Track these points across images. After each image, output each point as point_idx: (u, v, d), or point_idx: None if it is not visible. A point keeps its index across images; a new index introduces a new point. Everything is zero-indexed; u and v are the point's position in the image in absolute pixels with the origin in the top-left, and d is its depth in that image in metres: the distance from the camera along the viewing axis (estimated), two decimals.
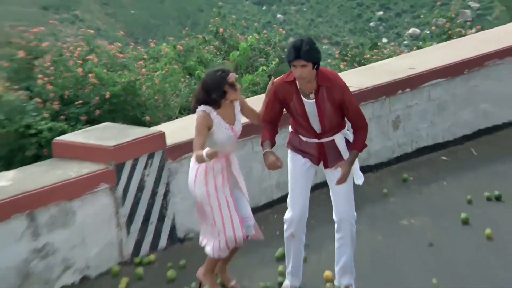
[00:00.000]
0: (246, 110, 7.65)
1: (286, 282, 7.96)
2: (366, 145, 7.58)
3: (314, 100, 7.31)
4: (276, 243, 8.33)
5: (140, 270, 8.51)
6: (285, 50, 7.46)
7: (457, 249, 8.61)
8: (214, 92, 7.32)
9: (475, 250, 8.54)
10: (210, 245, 7.68)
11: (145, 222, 8.83)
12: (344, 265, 7.85)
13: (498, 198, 9.62)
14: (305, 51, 7.00)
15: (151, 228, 8.89)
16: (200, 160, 7.12)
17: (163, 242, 8.99)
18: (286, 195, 7.87)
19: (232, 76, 7.37)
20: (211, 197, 7.47)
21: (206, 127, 7.33)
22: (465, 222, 9.07)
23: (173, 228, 9.07)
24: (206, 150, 6.97)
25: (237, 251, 7.88)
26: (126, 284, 8.26)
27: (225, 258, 7.86)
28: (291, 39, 7.62)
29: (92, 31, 14.66)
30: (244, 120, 7.69)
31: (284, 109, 7.59)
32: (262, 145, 7.53)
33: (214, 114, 7.35)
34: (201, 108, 7.38)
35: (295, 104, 7.40)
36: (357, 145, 7.47)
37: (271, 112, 7.62)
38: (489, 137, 11.37)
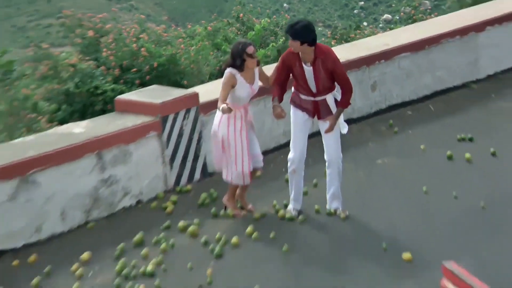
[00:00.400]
0: (261, 76, 7.76)
1: (290, 206, 8.07)
2: (350, 104, 7.77)
3: (311, 67, 7.48)
4: (282, 177, 8.39)
5: (179, 196, 8.64)
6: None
7: (417, 175, 8.78)
8: (236, 59, 7.49)
9: (429, 175, 8.69)
10: (229, 176, 7.85)
11: (183, 160, 8.90)
12: (333, 193, 7.98)
13: (470, 139, 9.74)
14: (294, 30, 7.36)
15: (188, 165, 8.96)
16: (219, 109, 7.34)
17: (197, 175, 9.05)
18: (289, 142, 7.99)
19: (250, 49, 7.48)
20: (230, 136, 7.62)
21: (230, 84, 7.49)
22: (449, 157, 9.23)
23: (204, 165, 9.12)
24: (223, 105, 7.18)
25: (252, 178, 8.02)
26: (170, 206, 8.35)
27: (243, 188, 7.98)
28: None
29: (143, 16, 14.73)
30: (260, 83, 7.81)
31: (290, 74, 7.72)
32: (272, 100, 7.71)
33: (238, 75, 7.50)
34: (229, 70, 7.55)
35: (297, 70, 7.57)
36: (342, 103, 7.67)
37: (280, 75, 7.76)
38: (443, 97, 11.33)
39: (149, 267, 6.96)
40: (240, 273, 6.94)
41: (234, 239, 7.46)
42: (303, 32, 7.34)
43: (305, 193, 8.21)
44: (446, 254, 5.82)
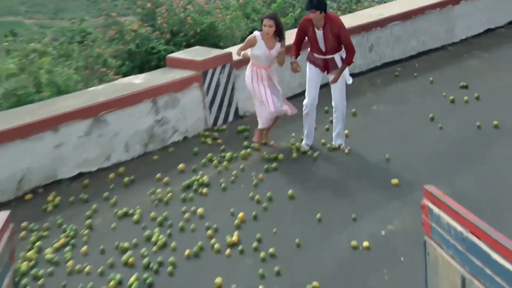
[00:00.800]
0: (280, 54, 7.68)
1: (303, 142, 8.03)
2: (352, 62, 7.73)
3: (322, 31, 7.48)
4: (299, 119, 8.29)
5: (216, 134, 8.58)
6: (305, 2, 7.50)
7: (405, 117, 8.62)
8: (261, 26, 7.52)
9: (415, 116, 8.55)
10: (260, 120, 7.79)
11: (219, 105, 8.83)
12: (338, 132, 7.96)
13: (466, 87, 9.71)
14: (315, 3, 7.29)
15: (223, 109, 8.89)
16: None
17: (230, 118, 8.98)
18: (305, 91, 7.98)
19: (265, 20, 7.50)
20: (254, 85, 7.66)
21: (250, 42, 7.58)
22: (431, 120, 9.04)
23: (236, 110, 9.04)
24: (243, 52, 7.69)
25: (276, 122, 7.97)
26: (209, 141, 8.35)
27: (268, 127, 7.91)
28: None
29: None
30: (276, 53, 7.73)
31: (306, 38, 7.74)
32: (290, 58, 7.76)
33: (259, 37, 7.50)
34: (255, 32, 7.63)
35: (311, 33, 7.58)
36: (346, 61, 7.64)
37: (298, 38, 7.78)
38: (426, 57, 11.21)
39: (205, 179, 7.26)
40: (276, 184, 7.09)
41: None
42: (319, 4, 7.34)
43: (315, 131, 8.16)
44: (427, 180, 5.76)
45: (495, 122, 8.32)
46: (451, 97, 9.22)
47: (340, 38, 7.51)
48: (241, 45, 7.70)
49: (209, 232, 6.26)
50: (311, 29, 7.57)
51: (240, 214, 6.51)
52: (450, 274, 4.08)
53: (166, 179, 7.35)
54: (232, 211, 6.60)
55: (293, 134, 8.32)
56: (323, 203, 6.80)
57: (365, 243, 5.99)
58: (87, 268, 5.72)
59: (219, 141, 8.33)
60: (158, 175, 7.47)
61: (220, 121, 8.85)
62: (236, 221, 6.43)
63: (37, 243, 6.13)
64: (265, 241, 6.11)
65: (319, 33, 7.53)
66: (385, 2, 13.88)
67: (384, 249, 5.95)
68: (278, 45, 7.59)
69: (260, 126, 7.93)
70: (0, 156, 6.94)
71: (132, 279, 5.52)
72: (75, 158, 7.50)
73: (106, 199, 7.02)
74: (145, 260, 5.78)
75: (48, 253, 5.97)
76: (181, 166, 7.61)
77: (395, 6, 11.62)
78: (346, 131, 8.20)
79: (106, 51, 10.40)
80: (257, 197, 6.89)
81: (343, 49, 7.67)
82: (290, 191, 6.98)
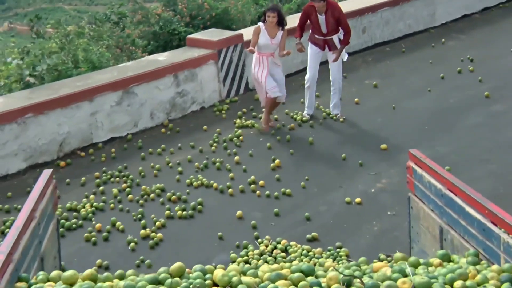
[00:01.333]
0: (282, 42, 7.47)
1: (305, 111, 7.99)
2: (349, 42, 7.76)
3: (324, 16, 7.48)
4: (301, 91, 8.22)
5: (229, 105, 8.51)
6: None
7: (394, 90, 8.58)
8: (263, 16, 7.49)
9: (402, 90, 8.49)
10: (261, 99, 7.75)
11: (232, 79, 8.73)
12: (335, 103, 7.94)
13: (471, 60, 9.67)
14: None
15: (235, 82, 8.79)
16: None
17: (241, 90, 8.88)
18: (306, 67, 7.93)
19: (268, 12, 7.38)
20: (255, 70, 7.49)
21: (256, 33, 7.41)
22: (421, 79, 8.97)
23: (247, 83, 8.93)
24: (250, 49, 7.42)
25: (276, 107, 7.78)
26: (225, 108, 8.31)
27: (270, 111, 7.71)
28: None
29: None
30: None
31: (308, 21, 7.69)
32: (295, 38, 7.73)
33: (263, 27, 7.37)
34: (259, 23, 7.52)
35: (314, 18, 7.57)
36: (344, 42, 7.66)
37: (302, 21, 7.75)
38: (412, 38, 11.06)
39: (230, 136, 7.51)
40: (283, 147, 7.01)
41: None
42: None
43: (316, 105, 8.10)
44: (412, 145, 5.78)
45: (465, 102, 8.27)
46: (442, 75, 9.14)
47: (339, 21, 7.54)
48: (251, 42, 7.44)
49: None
50: (314, 14, 7.54)
51: (274, 163, 6.80)
52: (430, 225, 4.10)
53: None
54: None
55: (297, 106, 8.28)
56: (322, 165, 6.80)
57: (357, 199, 6.01)
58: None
59: (244, 109, 8.23)
60: (205, 127, 7.73)
61: (233, 93, 8.75)
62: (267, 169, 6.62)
63: (101, 188, 6.38)
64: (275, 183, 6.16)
65: (321, 18, 7.51)
66: None
67: (373, 204, 5.97)
68: (279, 33, 7.43)
69: (262, 104, 7.80)
70: (44, 122, 6.94)
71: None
72: (108, 124, 7.48)
73: (164, 151, 7.20)
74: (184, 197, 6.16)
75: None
76: (205, 127, 7.75)
77: None
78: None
79: (134, 32, 10.34)
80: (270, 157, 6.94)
81: (340, 31, 7.63)
82: (291, 151, 7.05)
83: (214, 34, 8.85)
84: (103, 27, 9.97)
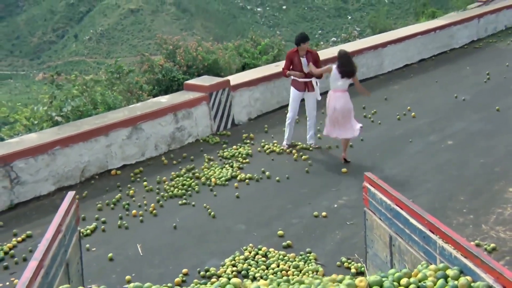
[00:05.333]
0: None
1: (284, 142, 7.89)
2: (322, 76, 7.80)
3: (305, 57, 7.52)
4: (278, 127, 8.21)
5: (218, 138, 8.45)
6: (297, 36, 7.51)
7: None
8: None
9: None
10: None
11: (221, 117, 8.70)
12: (311, 135, 7.86)
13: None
14: (303, 39, 7.45)
15: (224, 119, 8.76)
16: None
17: (228, 125, 8.83)
18: (283, 107, 7.88)
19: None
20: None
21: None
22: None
23: (233, 120, 8.91)
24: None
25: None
26: (215, 141, 8.20)
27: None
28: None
29: (199, 37, 14.48)
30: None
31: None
32: (285, 75, 7.80)
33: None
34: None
35: (297, 59, 7.56)
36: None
37: (286, 65, 7.72)
38: (365, 83, 11.04)
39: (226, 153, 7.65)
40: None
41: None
42: (306, 39, 7.43)
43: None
44: (366, 168, 5.80)
45: (407, 134, 8.28)
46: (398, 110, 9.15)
47: (316, 62, 7.54)
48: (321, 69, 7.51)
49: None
50: (297, 57, 7.53)
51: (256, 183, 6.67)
52: (381, 233, 4.10)
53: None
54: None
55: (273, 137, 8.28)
56: (294, 186, 6.79)
57: (323, 213, 6.00)
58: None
59: (222, 140, 8.22)
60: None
61: (222, 127, 8.73)
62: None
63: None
64: (253, 211, 6.13)
65: (303, 60, 7.52)
66: (336, 45, 13.83)
67: (336, 217, 5.96)
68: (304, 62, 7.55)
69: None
70: (69, 153, 6.88)
71: None
72: (120, 154, 7.43)
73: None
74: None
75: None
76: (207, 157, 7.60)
77: (344, 48, 11.56)
78: (319, 135, 8.02)
79: (141, 80, 10.36)
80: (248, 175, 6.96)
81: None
82: (274, 177, 7.00)
83: (206, 80, 8.84)
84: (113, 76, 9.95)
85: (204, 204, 6.31)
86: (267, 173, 7.08)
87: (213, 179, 6.87)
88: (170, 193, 6.61)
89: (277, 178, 6.94)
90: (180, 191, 6.64)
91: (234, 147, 7.91)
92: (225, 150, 7.84)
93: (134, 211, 6.19)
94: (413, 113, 9.05)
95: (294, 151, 7.70)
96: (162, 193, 6.63)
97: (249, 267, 5.07)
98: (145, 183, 6.92)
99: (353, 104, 7.29)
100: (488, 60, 12.17)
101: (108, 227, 5.91)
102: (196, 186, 6.75)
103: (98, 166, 7.22)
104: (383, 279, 2.92)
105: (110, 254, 5.37)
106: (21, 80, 59.32)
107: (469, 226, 5.58)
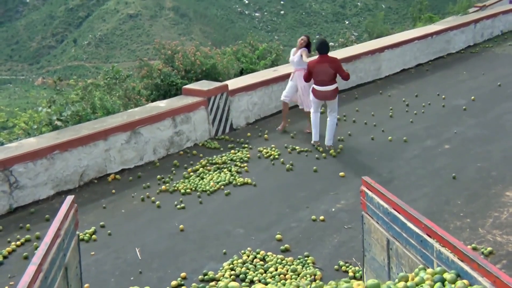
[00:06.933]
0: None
1: (313, 138, 8.01)
2: (348, 78, 8.05)
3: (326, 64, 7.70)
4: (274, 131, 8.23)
5: (217, 142, 8.47)
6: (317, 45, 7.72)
7: (353, 128, 8.59)
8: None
9: (356, 134, 8.53)
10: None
11: (219, 121, 8.73)
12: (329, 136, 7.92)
13: (407, 105, 9.50)
14: (327, 47, 7.79)
15: (222, 123, 8.78)
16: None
17: (227, 129, 8.87)
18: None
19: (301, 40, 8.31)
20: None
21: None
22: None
23: (231, 124, 8.93)
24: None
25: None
26: (213, 145, 8.23)
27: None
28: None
29: (198, 42, 14.54)
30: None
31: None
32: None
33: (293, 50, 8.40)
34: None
35: (317, 68, 7.67)
36: (344, 77, 7.89)
37: (308, 72, 7.84)
38: (362, 88, 11.12)
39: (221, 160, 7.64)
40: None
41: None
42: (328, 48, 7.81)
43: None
44: (364, 172, 5.81)
45: (404, 138, 8.25)
46: (390, 112, 9.18)
47: (337, 69, 7.67)
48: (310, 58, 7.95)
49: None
50: (317, 66, 7.63)
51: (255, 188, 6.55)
52: (379, 237, 4.10)
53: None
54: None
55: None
56: (293, 190, 6.78)
57: (321, 217, 6.00)
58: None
59: (220, 145, 8.24)
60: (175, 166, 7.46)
61: (220, 132, 8.75)
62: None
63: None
64: (256, 211, 6.12)
65: (324, 65, 7.63)
66: (334, 50, 13.85)
67: (334, 221, 5.96)
68: (298, 52, 8.15)
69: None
70: (68, 158, 6.89)
71: None
72: (119, 159, 7.44)
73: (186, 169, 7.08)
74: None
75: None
76: (203, 161, 7.58)
77: (341, 53, 11.56)
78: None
79: (139, 84, 10.35)
80: (247, 180, 6.92)
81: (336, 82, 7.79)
82: (273, 181, 6.97)
83: (204, 85, 8.85)
84: (111, 81, 9.95)
85: (203, 208, 6.31)
86: (265, 177, 7.08)
87: (211, 184, 6.87)
88: (169, 197, 6.60)
89: (275, 182, 6.94)
90: (179, 194, 6.63)
91: (233, 151, 7.92)
92: (224, 154, 7.84)
93: (132, 215, 6.18)
94: (410, 119, 9.07)
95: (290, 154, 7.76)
96: (160, 198, 6.63)
97: (247, 271, 5.06)
98: (143, 187, 6.92)
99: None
100: (485, 65, 12.21)
101: (106, 231, 5.90)
102: (195, 191, 6.75)
103: (97, 170, 7.22)
104: (380, 282, 2.92)
105: (108, 258, 5.35)
106: (20, 85, 59.40)
107: (466, 230, 5.58)
